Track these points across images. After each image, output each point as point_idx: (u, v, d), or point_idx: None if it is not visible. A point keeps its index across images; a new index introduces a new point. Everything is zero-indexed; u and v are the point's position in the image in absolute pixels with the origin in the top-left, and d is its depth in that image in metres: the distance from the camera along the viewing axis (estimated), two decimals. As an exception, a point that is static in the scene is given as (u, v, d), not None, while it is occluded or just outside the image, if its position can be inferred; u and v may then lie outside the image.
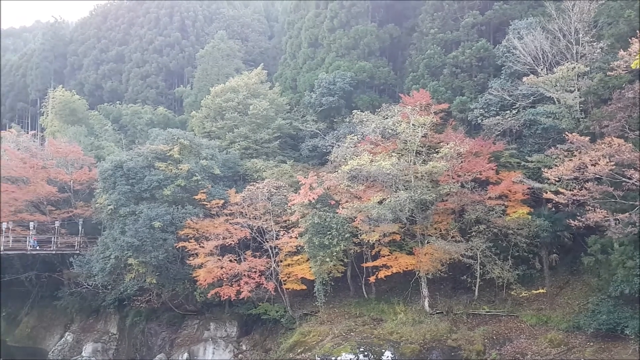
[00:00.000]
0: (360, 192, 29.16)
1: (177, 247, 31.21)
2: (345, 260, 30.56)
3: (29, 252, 37.58)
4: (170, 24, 73.69)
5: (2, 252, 35.77)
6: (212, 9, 75.74)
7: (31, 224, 37.67)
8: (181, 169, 33.04)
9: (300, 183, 31.06)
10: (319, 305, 29.97)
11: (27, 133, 57.42)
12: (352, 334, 27.17)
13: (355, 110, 34.33)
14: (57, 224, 38.94)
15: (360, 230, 28.71)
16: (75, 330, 37.44)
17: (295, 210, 30.37)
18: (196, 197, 32.86)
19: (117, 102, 64.10)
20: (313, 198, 29.48)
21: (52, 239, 38.31)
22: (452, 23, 37.42)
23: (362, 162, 27.98)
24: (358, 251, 30.45)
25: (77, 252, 37.25)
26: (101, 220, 36.01)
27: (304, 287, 30.21)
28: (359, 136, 32.17)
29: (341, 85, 39.35)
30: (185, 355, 30.99)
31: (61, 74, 79.57)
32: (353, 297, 31.58)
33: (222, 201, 32.94)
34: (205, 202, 32.87)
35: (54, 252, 38.19)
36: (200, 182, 33.25)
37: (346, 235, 29.00)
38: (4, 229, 36.15)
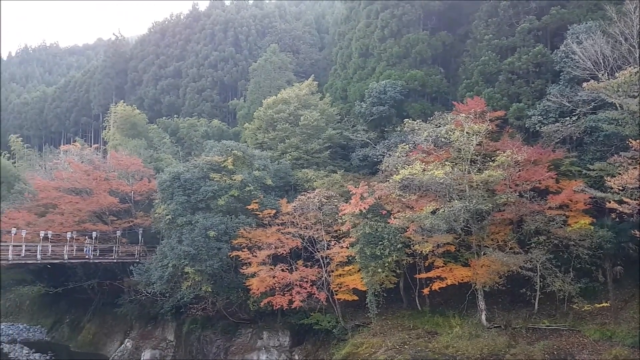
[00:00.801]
0: (413, 201, 28.72)
1: (231, 256, 31.76)
2: (398, 271, 30.10)
3: (91, 261, 39.22)
4: (225, 39, 75.90)
5: (66, 260, 37.50)
6: (264, 23, 77.50)
7: (93, 234, 39.42)
8: (235, 180, 33.72)
9: (351, 193, 30.96)
10: (372, 316, 29.64)
11: (91, 146, 60.16)
12: (405, 346, 26.69)
13: (406, 119, 33.94)
14: (118, 233, 40.62)
15: (413, 240, 28.19)
16: (134, 337, 38.51)
17: (346, 220, 30.29)
18: (249, 207, 33.42)
19: (175, 115, 66.45)
20: (364, 208, 29.31)
21: (114, 248, 39.94)
22: (507, 29, 36.49)
23: (414, 171, 27.58)
24: (411, 262, 29.96)
25: (137, 260, 38.59)
26: (160, 229, 37.13)
27: (356, 297, 29.95)
28: (410, 145, 31.78)
29: (392, 94, 39.11)
30: (239, 363, 31.40)
31: (122, 89, 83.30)
32: (406, 309, 31.06)
33: (274, 211, 33.35)
34: (257, 212, 33.37)
35: (115, 260, 39.73)
36: (252, 192, 33.81)
37: (398, 246, 28.62)
38: (68, 239, 38.02)
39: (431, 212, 26.91)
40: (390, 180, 29.21)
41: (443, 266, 28.18)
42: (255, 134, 44.75)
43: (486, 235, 28.25)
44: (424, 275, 29.17)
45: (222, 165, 34.80)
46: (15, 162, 69.50)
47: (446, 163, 28.50)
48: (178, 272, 32.35)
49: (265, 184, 35.21)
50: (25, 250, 35.53)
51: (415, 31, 43.08)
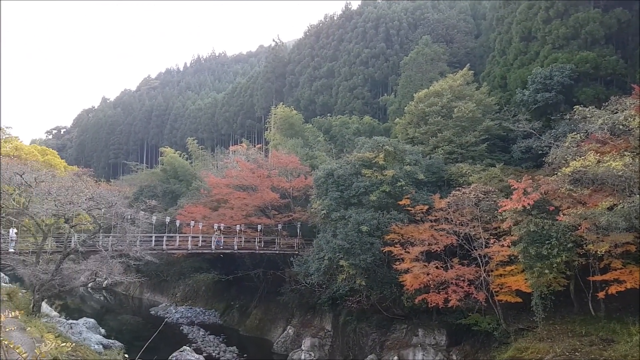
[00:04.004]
0: (585, 197, 25.84)
1: (383, 251, 31.74)
2: (568, 272, 27.30)
3: (257, 252, 42.29)
4: (376, 36, 76.35)
5: (235, 251, 40.90)
6: (416, 15, 76.29)
7: (258, 227, 42.45)
8: (386, 175, 33.64)
9: (512, 187, 28.92)
10: (537, 320, 27.36)
11: (255, 146, 64.97)
12: (577, 354, 24.15)
13: (576, 106, 30.75)
14: (279, 226, 43.19)
15: (586, 239, 25.33)
16: (295, 324, 40.53)
17: (507, 217, 28.31)
18: (400, 202, 33.08)
19: (328, 114, 68.73)
20: (528, 204, 27.10)
21: (276, 240, 42.60)
22: (699, -2, 31.11)
23: (586, 163, 24.80)
24: (583, 263, 26.98)
25: (296, 252, 40.62)
26: (316, 223, 38.59)
27: (519, 299, 27.90)
28: (582, 134, 28.70)
29: (559, 79, 35.75)
30: (395, 358, 31.27)
31: (281, 92, 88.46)
32: (577, 314, 28.08)
33: (426, 207, 32.57)
34: (409, 208, 32.89)
35: (277, 252, 42.28)
36: (404, 188, 33.41)
37: (568, 245, 25.96)
38: (237, 231, 41.48)
39: (607, 208, 23.91)
40: (559, 174, 26.64)
41: (622, 268, 24.92)
42: (406, 129, 44.19)
43: (675, 234, 24.32)
44: (598, 277, 26.11)
45: (373, 161, 34.97)
46: (192, 162, 77.83)
47: (625, 153, 25.10)
48: (333, 264, 33.26)
49: (417, 179, 34.59)
50: (201, 241, 39.64)
51: (585, 10, 38.97)
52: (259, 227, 42.50)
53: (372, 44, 75.74)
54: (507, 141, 39.62)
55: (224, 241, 40.78)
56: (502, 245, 28.29)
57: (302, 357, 35.41)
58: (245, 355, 37.33)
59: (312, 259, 35.33)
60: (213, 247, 39.71)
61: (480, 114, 40.26)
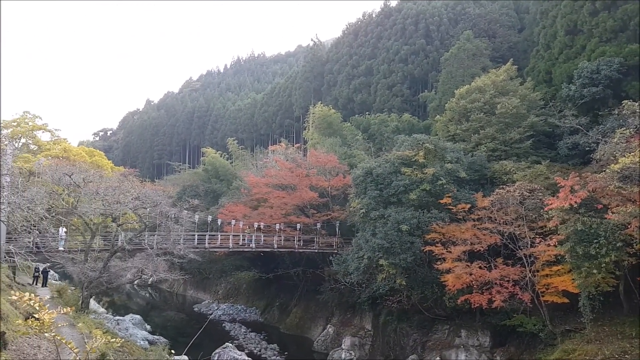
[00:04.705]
0: (635, 194, 24.74)
1: (424, 250, 31.35)
2: (617, 272, 26.24)
3: (296, 250, 42.51)
4: (415, 32, 75.48)
5: (275, 249, 41.23)
6: (457, 10, 75.04)
7: (297, 225, 42.66)
8: (426, 173, 33.17)
9: (558, 185, 28.02)
10: (585, 321, 26.44)
11: (293, 146, 65.22)
12: (627, 356, 23.20)
13: (625, 101, 29.58)
14: (318, 225, 43.30)
15: (636, 238, 24.31)
16: (335, 323, 40.56)
17: (553, 216, 27.46)
18: (441, 201, 32.57)
19: (366, 112, 68.33)
20: (575, 202, 26.19)
21: (315, 239, 42.72)
22: None
23: (636, 159, 23.83)
24: (633, 263, 25.85)
25: (335, 251, 40.63)
26: (354, 222, 38.48)
27: (566, 300, 27.03)
28: (631, 129, 27.56)
29: (607, 73, 34.41)
30: (438, 358, 30.84)
31: (319, 91, 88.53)
32: (627, 315, 26.94)
33: (469, 205, 31.96)
34: (450, 207, 32.34)
35: (316, 250, 42.44)
36: (445, 186, 32.87)
37: (617, 244, 24.91)
38: (276, 229, 41.83)
39: (661, 206, 22.89)
40: (607, 171, 25.64)
41: (676, 269, 23.83)
42: (447, 126, 43.49)
43: None
44: (650, 278, 25.04)
45: (413, 159, 34.56)
46: (232, 162, 78.97)
47: (680, 148, 24.00)
48: (373, 264, 33.05)
49: (458, 177, 33.98)
50: (242, 240, 40.16)
51: (633, 1, 37.33)
52: (298, 226, 42.72)
53: (411, 40, 74.92)
54: (553, 137, 38.48)
55: (264, 240, 41.22)
56: (549, 245, 27.47)
57: (343, 356, 35.38)
58: (286, 353, 37.60)
59: (351, 257, 35.24)
60: (253, 245, 40.19)
61: (525, 109, 39.22)
